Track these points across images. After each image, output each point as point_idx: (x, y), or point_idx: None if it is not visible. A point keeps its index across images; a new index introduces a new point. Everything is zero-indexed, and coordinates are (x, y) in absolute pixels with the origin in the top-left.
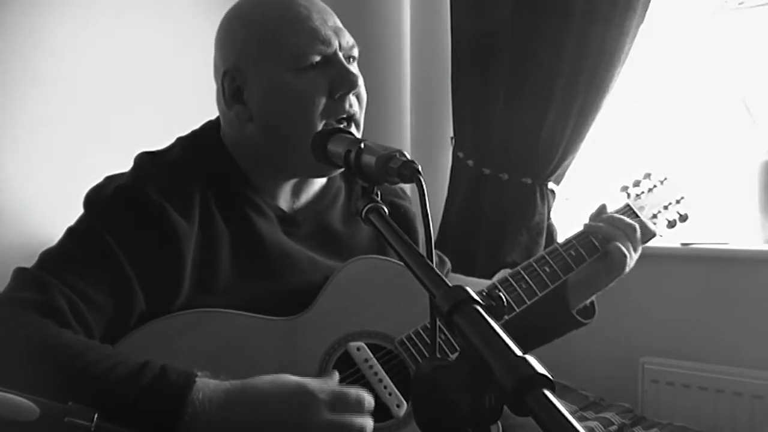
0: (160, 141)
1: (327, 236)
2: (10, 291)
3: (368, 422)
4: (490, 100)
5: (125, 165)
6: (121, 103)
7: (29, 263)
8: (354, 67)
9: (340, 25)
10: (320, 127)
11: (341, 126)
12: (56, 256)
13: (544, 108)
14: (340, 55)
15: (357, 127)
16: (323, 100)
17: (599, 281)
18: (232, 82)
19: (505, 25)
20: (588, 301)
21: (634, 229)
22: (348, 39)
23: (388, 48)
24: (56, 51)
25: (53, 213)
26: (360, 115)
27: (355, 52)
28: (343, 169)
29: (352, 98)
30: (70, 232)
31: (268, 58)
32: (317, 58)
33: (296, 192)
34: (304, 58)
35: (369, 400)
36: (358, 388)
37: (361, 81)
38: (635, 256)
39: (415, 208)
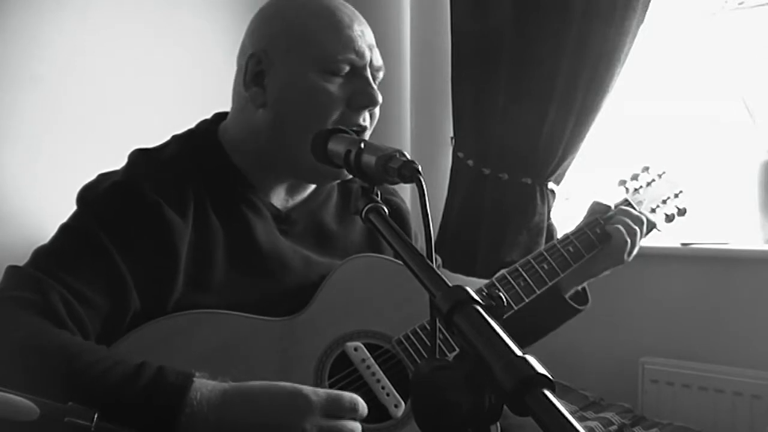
0: (158, 141)
1: (321, 234)
2: (5, 290)
3: (359, 427)
4: (490, 100)
5: (122, 164)
6: (118, 103)
7: (21, 261)
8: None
9: (374, 43)
10: None
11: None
12: (50, 254)
13: (544, 108)
14: (369, 70)
15: None
16: (340, 108)
17: (595, 266)
18: (257, 64)
19: (505, 25)
20: (580, 287)
21: (642, 221)
22: (378, 59)
23: (388, 48)
24: (54, 51)
25: (47, 209)
26: (369, 132)
27: (381, 75)
28: (338, 181)
29: (367, 114)
30: (64, 229)
31: (300, 53)
32: (347, 68)
33: (291, 191)
34: (334, 63)
35: (363, 405)
36: (351, 392)
37: (380, 101)
38: (636, 243)
39: (416, 209)
